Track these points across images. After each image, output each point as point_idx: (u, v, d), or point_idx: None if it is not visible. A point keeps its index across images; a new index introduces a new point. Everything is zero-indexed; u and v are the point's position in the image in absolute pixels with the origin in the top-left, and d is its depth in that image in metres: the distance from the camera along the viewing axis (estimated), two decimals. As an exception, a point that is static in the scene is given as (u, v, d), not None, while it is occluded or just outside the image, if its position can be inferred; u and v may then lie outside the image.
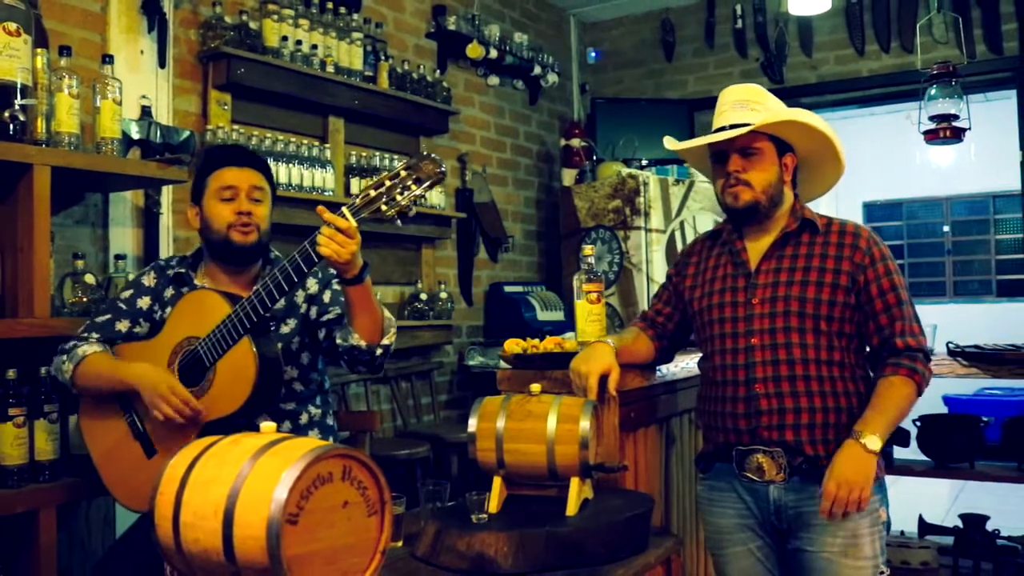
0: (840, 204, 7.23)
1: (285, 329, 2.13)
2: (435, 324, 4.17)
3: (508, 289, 4.72)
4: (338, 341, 2.03)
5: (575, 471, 1.76)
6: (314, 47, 3.57)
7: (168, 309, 2.11)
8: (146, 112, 2.99)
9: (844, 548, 1.84)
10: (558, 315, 4.64)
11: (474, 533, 1.61)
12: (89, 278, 2.50)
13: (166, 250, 3.07)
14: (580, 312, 2.20)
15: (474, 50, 4.55)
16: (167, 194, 3.10)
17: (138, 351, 2.05)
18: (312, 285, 2.17)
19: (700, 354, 2.08)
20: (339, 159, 3.77)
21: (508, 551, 1.58)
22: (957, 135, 4.22)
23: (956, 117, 4.20)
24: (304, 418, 2.16)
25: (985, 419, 3.17)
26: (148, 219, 3.03)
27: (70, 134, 2.33)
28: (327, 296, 2.15)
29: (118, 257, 2.73)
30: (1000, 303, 7.92)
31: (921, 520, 3.47)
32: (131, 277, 2.51)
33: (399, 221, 1.77)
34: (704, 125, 4.82)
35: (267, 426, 1.31)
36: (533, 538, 1.60)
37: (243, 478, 1.16)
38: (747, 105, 1.94)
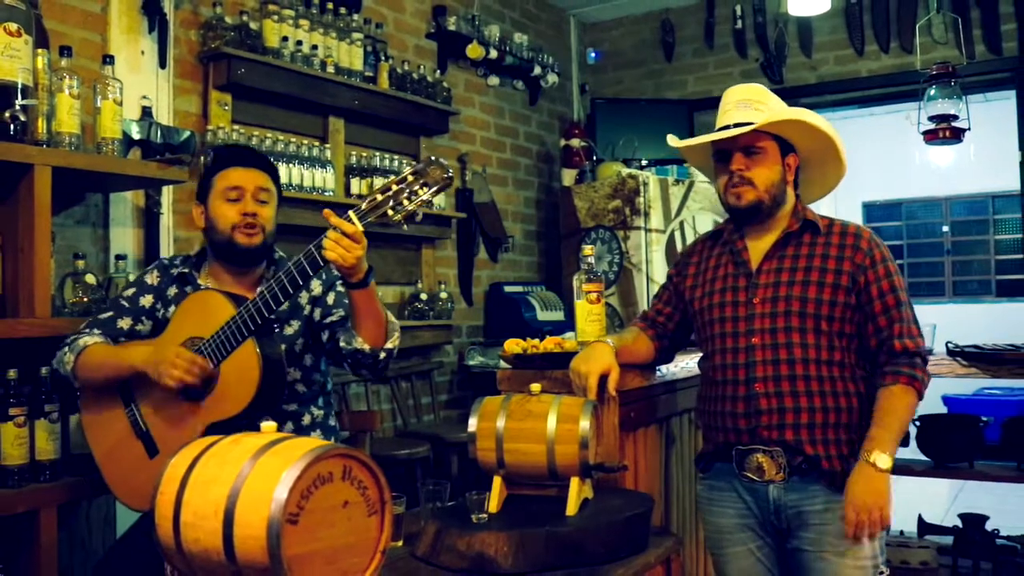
0: (839, 204, 7.23)
1: (289, 330, 2.12)
2: (435, 324, 4.18)
3: (508, 289, 4.72)
4: (341, 344, 2.02)
5: (575, 471, 1.76)
6: (314, 47, 3.57)
7: (171, 308, 2.11)
8: (147, 112, 2.99)
9: (844, 548, 1.84)
10: (558, 315, 4.65)
11: (474, 533, 1.62)
12: (90, 278, 2.50)
13: (166, 250, 3.08)
14: (580, 312, 2.20)
15: (474, 50, 4.56)
16: (167, 194, 3.10)
17: (140, 350, 2.05)
18: (316, 287, 2.16)
19: (700, 354, 2.08)
20: (339, 159, 3.78)
21: (508, 551, 1.58)
22: (956, 135, 4.22)
23: (955, 117, 4.20)
24: (307, 419, 2.16)
25: (984, 419, 3.17)
26: (149, 219, 3.03)
27: (71, 134, 2.33)
28: (331, 298, 2.15)
29: (119, 257, 2.73)
30: (999, 303, 7.92)
31: (920, 520, 3.47)
32: (132, 277, 2.52)
33: (406, 226, 1.77)
34: (704, 125, 4.83)
35: (267, 426, 1.31)
36: (533, 538, 1.60)
37: (243, 478, 1.16)
38: (751, 105, 1.95)
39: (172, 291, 2.16)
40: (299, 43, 3.49)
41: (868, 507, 1.76)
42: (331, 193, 3.57)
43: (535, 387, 1.87)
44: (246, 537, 1.13)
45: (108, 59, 2.51)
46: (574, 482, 1.76)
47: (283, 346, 2.05)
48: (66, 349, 2.06)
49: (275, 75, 3.41)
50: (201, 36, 3.29)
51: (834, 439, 1.86)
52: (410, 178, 1.74)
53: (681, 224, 4.61)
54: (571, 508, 1.74)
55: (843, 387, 1.89)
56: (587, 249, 2.26)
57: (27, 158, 2.22)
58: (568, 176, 4.96)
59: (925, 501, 4.13)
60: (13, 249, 2.31)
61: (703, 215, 4.69)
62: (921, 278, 8.31)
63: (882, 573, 1.91)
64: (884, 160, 7.65)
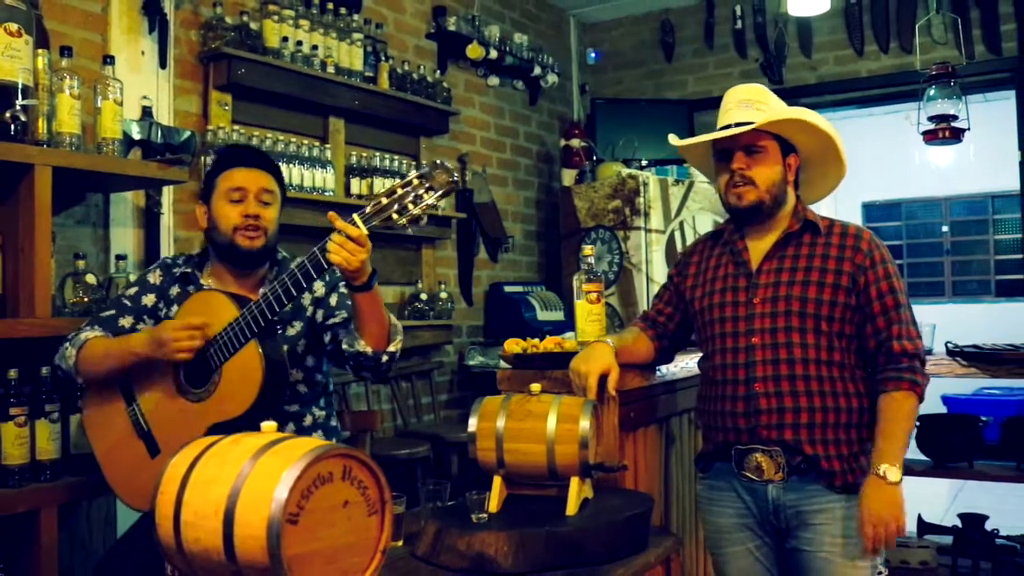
0: (839, 204, 7.23)
1: (291, 331, 2.12)
2: (435, 324, 4.18)
3: (508, 289, 4.73)
4: (344, 346, 2.02)
5: (575, 471, 1.76)
6: (314, 48, 3.57)
7: (174, 307, 2.11)
8: (147, 112, 2.99)
9: (843, 548, 1.85)
10: (558, 315, 4.65)
11: (474, 533, 1.62)
12: (90, 278, 2.51)
13: (167, 250, 3.08)
14: (580, 312, 2.20)
15: (474, 51, 4.56)
16: (168, 194, 3.10)
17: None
18: (319, 288, 2.16)
19: (700, 354, 2.08)
20: (339, 159, 3.78)
21: (508, 550, 1.58)
22: (956, 135, 4.22)
23: (955, 117, 4.20)
24: (308, 420, 2.16)
25: (984, 419, 3.18)
26: (149, 219, 3.03)
27: (71, 134, 2.34)
28: (333, 299, 2.15)
29: (119, 257, 2.73)
30: (999, 303, 7.92)
31: (920, 520, 3.47)
32: (132, 277, 2.52)
33: (410, 229, 1.77)
34: (704, 125, 4.84)
35: (268, 426, 1.31)
36: (533, 538, 1.60)
37: (244, 478, 1.16)
38: (752, 104, 1.95)
39: (174, 290, 2.16)
40: (299, 43, 3.49)
41: (885, 520, 1.77)
42: (331, 193, 3.58)
43: (535, 387, 1.87)
44: (246, 537, 1.13)
45: (108, 59, 2.51)
46: (574, 482, 1.76)
47: (285, 347, 2.05)
48: (67, 344, 2.07)
49: (275, 75, 3.41)
50: (201, 36, 3.30)
51: (833, 439, 1.86)
52: (415, 182, 1.73)
53: (681, 224, 4.61)
54: (571, 508, 1.74)
55: (843, 387, 1.89)
56: (587, 249, 2.26)
57: (27, 158, 2.22)
58: (568, 176, 4.97)
59: (925, 501, 4.12)
60: (13, 249, 2.31)
61: (703, 215, 4.69)
62: (921, 278, 8.31)
63: (881, 573, 1.91)
64: (884, 160, 7.66)
